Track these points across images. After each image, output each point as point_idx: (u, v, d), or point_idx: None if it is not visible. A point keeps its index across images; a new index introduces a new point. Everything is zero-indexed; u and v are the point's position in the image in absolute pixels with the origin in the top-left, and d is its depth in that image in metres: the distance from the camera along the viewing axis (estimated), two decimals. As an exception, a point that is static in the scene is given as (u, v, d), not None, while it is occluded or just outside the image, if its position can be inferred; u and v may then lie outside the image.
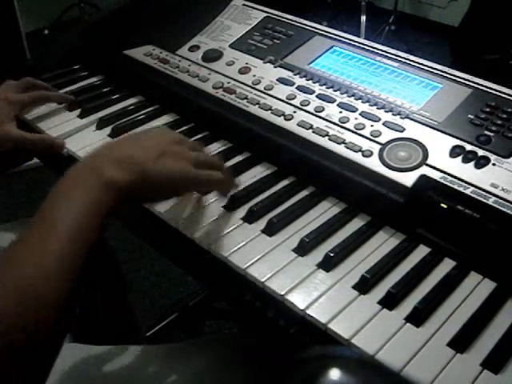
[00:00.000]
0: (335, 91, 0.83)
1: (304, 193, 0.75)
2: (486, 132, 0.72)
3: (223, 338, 0.97)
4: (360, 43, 0.92)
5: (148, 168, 0.59)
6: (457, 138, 0.73)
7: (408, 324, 0.58)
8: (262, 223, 0.70)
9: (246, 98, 0.85)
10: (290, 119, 0.80)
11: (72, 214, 0.53)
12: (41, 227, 0.52)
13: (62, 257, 0.50)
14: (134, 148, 0.61)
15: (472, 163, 0.69)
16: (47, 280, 0.48)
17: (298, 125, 0.79)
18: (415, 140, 0.74)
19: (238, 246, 0.66)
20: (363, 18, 3.08)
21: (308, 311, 0.59)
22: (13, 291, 0.46)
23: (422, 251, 0.67)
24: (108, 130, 0.88)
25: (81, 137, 0.88)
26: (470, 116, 0.75)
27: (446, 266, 0.65)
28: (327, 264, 0.64)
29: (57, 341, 0.50)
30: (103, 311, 1.01)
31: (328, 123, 0.78)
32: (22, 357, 0.45)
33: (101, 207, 0.55)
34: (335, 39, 0.93)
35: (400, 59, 0.87)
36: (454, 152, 0.71)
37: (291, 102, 0.82)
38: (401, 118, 0.77)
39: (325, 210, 0.72)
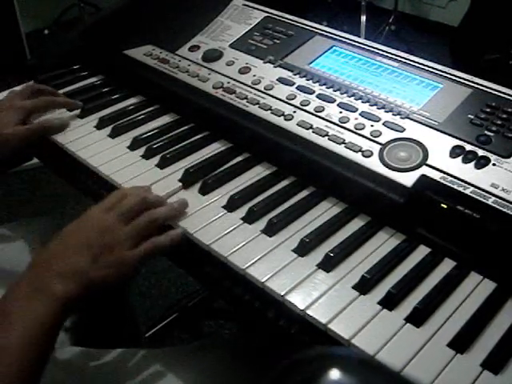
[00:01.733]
0: (335, 91, 0.83)
1: (304, 193, 0.75)
2: (486, 132, 0.72)
3: (223, 340, 0.98)
4: (360, 43, 0.92)
5: (92, 275, 0.61)
6: (457, 138, 0.73)
7: (408, 324, 0.58)
8: (262, 223, 0.70)
9: (245, 98, 0.85)
10: (289, 119, 0.80)
11: (21, 329, 0.56)
12: None
13: (12, 364, 0.54)
14: (70, 255, 0.62)
15: (472, 163, 0.69)
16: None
17: (297, 125, 0.79)
18: (415, 140, 0.74)
19: (238, 246, 0.66)
20: (363, 17, 3.07)
21: (308, 311, 0.59)
22: None
23: (422, 251, 0.67)
24: (108, 129, 0.88)
25: (81, 137, 0.87)
26: (470, 116, 0.75)
27: (446, 266, 0.65)
28: (327, 264, 0.64)
29: None
30: (103, 314, 1.00)
31: (328, 123, 0.78)
32: None
33: (49, 322, 0.58)
34: (335, 39, 0.93)
35: (400, 59, 0.87)
36: (454, 152, 0.71)
37: (291, 101, 0.82)
38: (401, 118, 0.77)
39: (325, 210, 0.72)
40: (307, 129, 0.78)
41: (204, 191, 0.75)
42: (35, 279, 0.60)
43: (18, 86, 1.00)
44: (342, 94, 0.82)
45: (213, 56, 0.94)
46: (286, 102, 0.83)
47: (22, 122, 0.87)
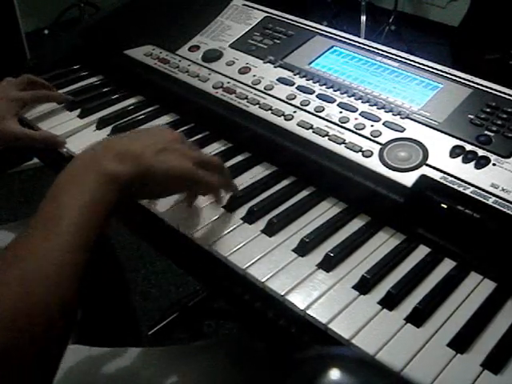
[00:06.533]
0: (335, 91, 0.83)
1: (304, 193, 0.75)
2: (486, 132, 0.72)
3: (223, 340, 0.98)
4: (360, 43, 0.92)
5: (148, 162, 0.59)
6: (457, 138, 0.73)
7: (408, 324, 0.58)
8: (262, 223, 0.70)
9: (246, 98, 0.85)
10: (290, 119, 0.80)
11: (73, 211, 0.52)
12: (42, 225, 0.52)
13: (64, 254, 0.50)
14: (135, 143, 0.61)
15: (472, 163, 0.69)
16: (49, 277, 0.48)
17: (298, 125, 0.79)
18: (415, 140, 0.73)
19: (238, 246, 0.66)
20: (363, 17, 3.07)
21: (308, 311, 0.59)
22: (16, 289, 0.46)
23: (422, 251, 0.67)
24: (108, 130, 0.88)
25: (81, 137, 0.88)
26: (470, 116, 0.75)
27: (446, 266, 0.65)
28: (327, 264, 0.64)
29: (59, 342, 0.49)
30: (105, 313, 1.01)
31: (328, 123, 0.78)
32: (19, 357, 0.45)
33: (101, 202, 0.55)
34: (335, 39, 0.93)
35: (400, 59, 0.87)
36: (454, 152, 0.71)
37: (291, 101, 0.82)
38: (401, 118, 0.77)
39: (325, 210, 0.72)
40: (307, 129, 0.78)
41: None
42: (89, 160, 0.57)
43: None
44: (342, 94, 0.82)
45: (213, 56, 0.94)
46: (286, 102, 0.83)
47: (17, 114, 0.87)
